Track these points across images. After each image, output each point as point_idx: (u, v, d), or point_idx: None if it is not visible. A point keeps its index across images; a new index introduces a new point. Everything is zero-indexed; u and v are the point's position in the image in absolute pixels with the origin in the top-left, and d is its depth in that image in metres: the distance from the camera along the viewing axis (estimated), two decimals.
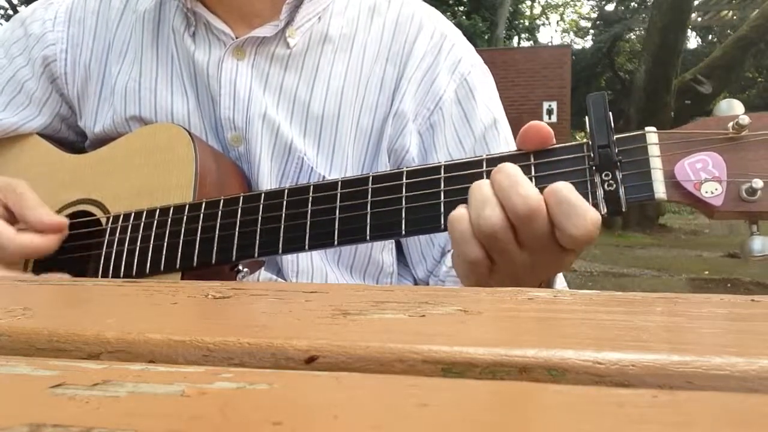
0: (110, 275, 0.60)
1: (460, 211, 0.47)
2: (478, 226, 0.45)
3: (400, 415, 0.16)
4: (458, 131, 0.67)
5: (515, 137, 0.52)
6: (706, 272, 5.73)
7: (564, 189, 0.44)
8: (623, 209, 0.46)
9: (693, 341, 0.22)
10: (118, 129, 0.70)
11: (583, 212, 0.43)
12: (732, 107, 0.47)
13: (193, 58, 0.67)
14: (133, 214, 0.61)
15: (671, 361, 0.19)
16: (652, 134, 0.47)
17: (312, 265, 0.66)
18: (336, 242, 0.52)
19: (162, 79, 0.69)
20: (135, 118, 0.69)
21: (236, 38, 0.66)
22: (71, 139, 0.78)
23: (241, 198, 0.56)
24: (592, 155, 0.47)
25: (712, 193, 0.45)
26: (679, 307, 0.28)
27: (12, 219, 0.61)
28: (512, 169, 0.46)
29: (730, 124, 0.46)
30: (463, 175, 0.50)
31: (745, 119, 0.45)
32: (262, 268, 0.65)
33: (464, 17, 14.11)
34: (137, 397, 0.17)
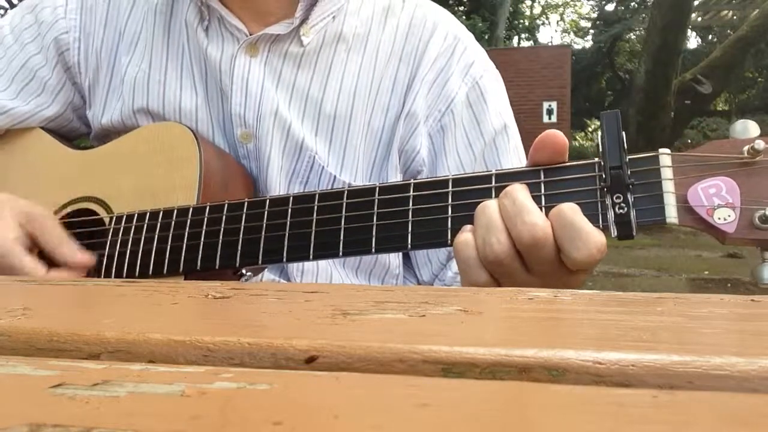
0: (113, 276, 0.60)
1: (465, 236, 0.46)
2: (483, 253, 0.45)
3: (400, 415, 0.16)
4: (468, 135, 0.66)
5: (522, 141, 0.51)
6: (706, 272, 5.72)
7: (569, 212, 0.44)
8: (634, 233, 0.45)
9: (693, 341, 0.22)
10: (125, 121, 0.69)
11: (586, 236, 0.43)
12: (747, 130, 0.46)
13: (206, 52, 0.67)
14: (136, 215, 0.61)
15: (671, 361, 0.19)
16: (665, 156, 0.46)
17: (317, 266, 0.66)
18: (341, 253, 0.51)
19: (171, 73, 0.68)
20: (142, 111, 0.69)
21: (250, 35, 0.66)
22: (81, 131, 0.77)
23: (246, 204, 0.56)
24: (603, 176, 0.46)
25: (725, 219, 0.44)
26: (679, 307, 0.28)
27: (33, 246, 0.60)
28: (519, 194, 0.45)
29: (745, 149, 0.44)
30: (471, 190, 0.49)
31: (760, 144, 0.44)
32: (266, 269, 0.65)
33: (464, 17, 14.11)
34: (137, 397, 0.17)
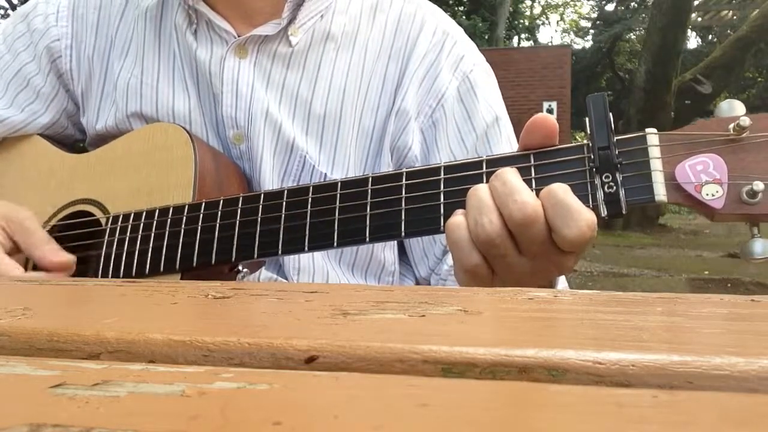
0: (110, 275, 0.60)
1: (457, 219, 0.46)
2: (475, 233, 0.45)
3: (400, 415, 0.16)
4: (460, 129, 0.66)
5: (517, 137, 0.52)
6: (706, 272, 5.72)
7: (559, 191, 0.44)
8: (623, 211, 0.46)
9: (693, 341, 0.22)
10: (119, 126, 0.70)
11: (577, 214, 0.43)
12: (733, 108, 0.47)
13: (195, 56, 0.67)
14: (132, 215, 0.61)
15: (671, 361, 0.19)
16: (652, 135, 0.47)
17: (313, 264, 0.66)
18: (335, 243, 0.52)
19: (164, 77, 0.69)
20: (136, 115, 0.69)
21: (238, 36, 0.66)
22: (76, 138, 0.78)
23: (241, 199, 0.56)
24: (592, 157, 0.47)
25: (713, 195, 0.45)
26: (679, 307, 0.28)
27: (15, 249, 0.60)
28: (509, 175, 0.46)
29: (731, 126, 0.45)
30: (462, 177, 0.50)
31: (746, 121, 0.44)
32: (263, 267, 0.65)
33: (464, 17, 14.10)
34: (137, 397, 0.17)
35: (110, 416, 0.16)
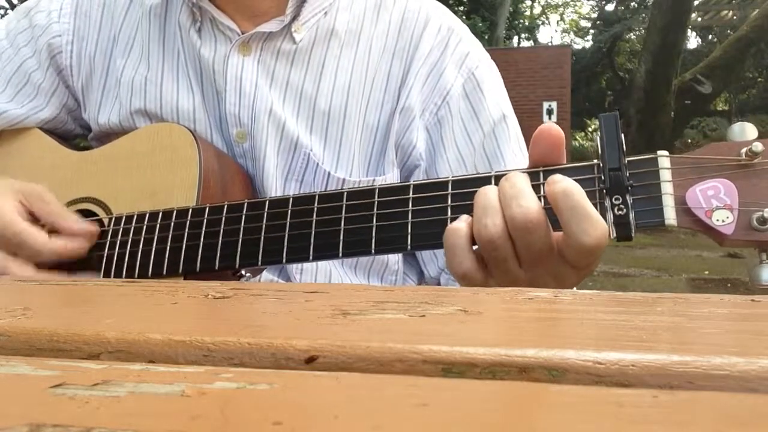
0: (112, 277, 0.60)
1: (457, 224, 0.46)
2: (478, 233, 0.45)
3: (400, 415, 0.16)
4: (466, 126, 0.66)
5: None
6: (706, 272, 5.72)
7: (578, 192, 0.44)
8: (632, 235, 0.45)
9: (693, 341, 0.22)
10: (122, 123, 0.70)
11: (596, 220, 0.43)
12: (744, 132, 0.46)
13: (199, 53, 0.67)
14: (135, 216, 0.61)
15: (671, 361, 0.19)
16: (664, 158, 0.46)
17: (316, 264, 0.66)
18: (340, 254, 0.51)
19: (168, 74, 0.69)
20: (140, 112, 0.69)
21: (242, 34, 0.66)
22: (77, 133, 0.78)
23: (246, 205, 0.56)
24: (603, 178, 0.46)
25: (723, 221, 0.44)
26: (679, 307, 0.28)
27: (34, 220, 0.61)
28: (518, 179, 0.45)
29: (743, 151, 0.45)
30: (470, 192, 0.49)
31: (758, 146, 0.44)
32: (265, 269, 0.65)
33: (464, 17, 14.10)
34: (137, 397, 0.17)
35: (110, 416, 0.16)
